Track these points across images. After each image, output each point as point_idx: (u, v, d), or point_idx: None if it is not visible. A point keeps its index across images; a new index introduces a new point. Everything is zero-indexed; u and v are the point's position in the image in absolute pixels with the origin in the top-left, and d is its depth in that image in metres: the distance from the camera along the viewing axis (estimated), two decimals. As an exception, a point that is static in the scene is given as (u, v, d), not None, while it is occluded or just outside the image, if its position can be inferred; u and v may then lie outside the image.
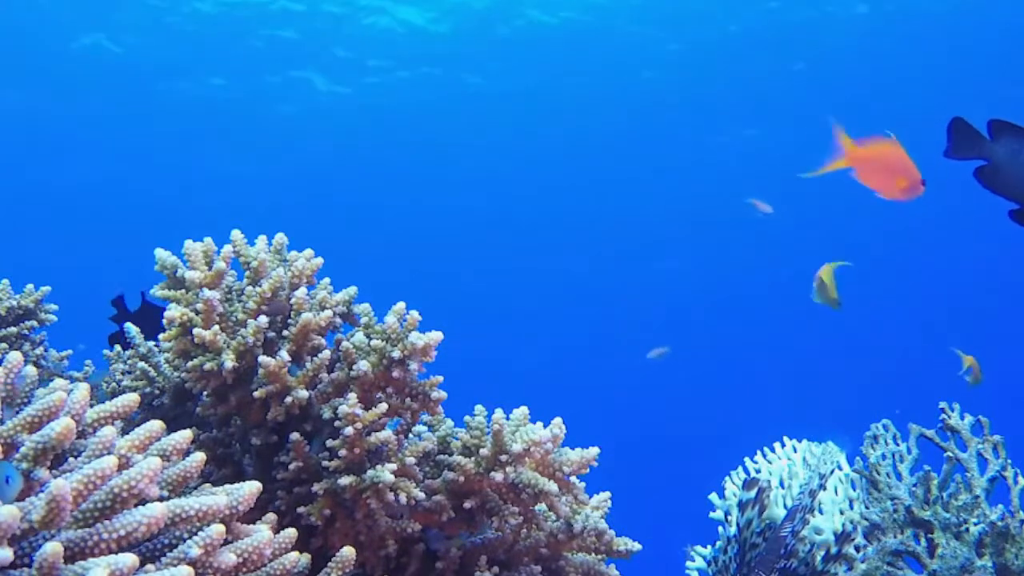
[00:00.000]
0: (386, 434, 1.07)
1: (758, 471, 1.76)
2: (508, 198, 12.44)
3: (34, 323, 1.55)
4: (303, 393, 1.09)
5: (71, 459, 0.85)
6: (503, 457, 1.09)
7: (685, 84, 9.74)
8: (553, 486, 1.09)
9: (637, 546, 1.23)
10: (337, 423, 1.06)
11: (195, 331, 1.09)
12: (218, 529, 0.75)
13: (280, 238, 1.24)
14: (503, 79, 9.85)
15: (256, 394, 1.09)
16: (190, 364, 1.12)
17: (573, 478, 1.16)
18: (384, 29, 9.04)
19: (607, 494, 1.29)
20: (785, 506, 1.66)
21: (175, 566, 0.73)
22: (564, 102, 10.25)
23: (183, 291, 1.15)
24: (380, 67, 9.62)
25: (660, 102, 10.10)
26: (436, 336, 1.09)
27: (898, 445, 1.63)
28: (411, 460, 1.10)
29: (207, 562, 0.75)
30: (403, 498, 1.07)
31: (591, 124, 10.68)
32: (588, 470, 1.15)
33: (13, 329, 1.51)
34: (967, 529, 1.41)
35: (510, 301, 14.32)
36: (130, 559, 0.67)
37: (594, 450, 1.15)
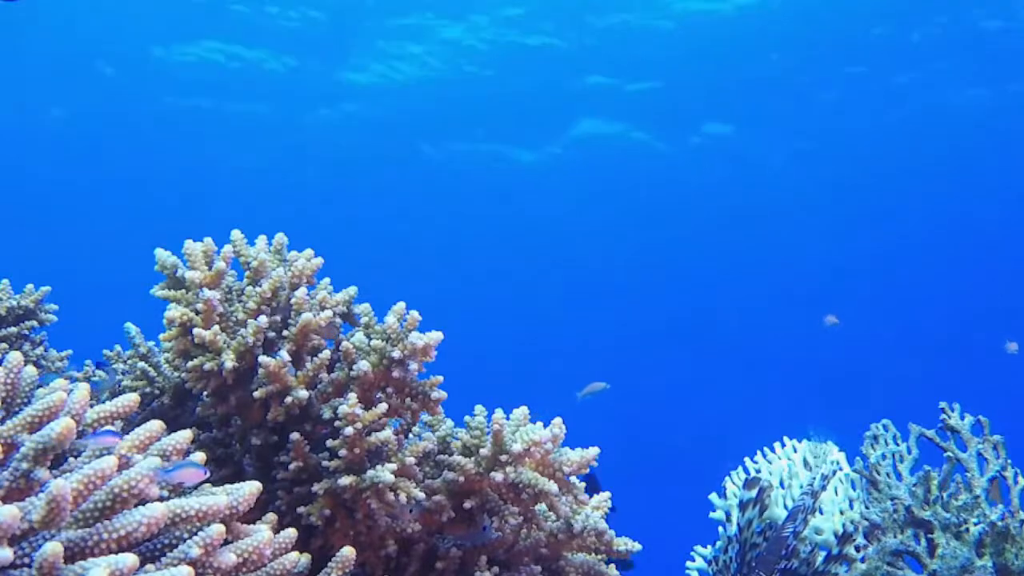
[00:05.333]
0: (386, 434, 1.07)
1: (758, 471, 1.76)
2: (510, 199, 12.44)
3: (34, 323, 1.54)
4: (303, 393, 1.09)
5: (71, 459, 0.85)
6: (503, 457, 1.08)
7: (682, 86, 9.74)
8: (553, 486, 1.09)
9: (637, 546, 1.23)
10: (337, 423, 1.06)
11: (195, 331, 1.09)
12: (218, 529, 0.75)
13: (280, 238, 1.24)
14: (502, 84, 9.85)
15: (256, 394, 1.09)
16: (190, 364, 1.11)
17: (573, 478, 1.16)
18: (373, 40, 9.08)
19: (607, 494, 1.29)
20: (785, 506, 1.66)
21: (175, 566, 0.73)
22: (560, 102, 10.25)
23: (183, 291, 1.15)
24: (382, 74, 9.63)
25: (655, 105, 10.10)
26: (436, 336, 1.09)
27: (898, 445, 1.63)
28: (411, 460, 1.10)
29: (207, 562, 0.75)
30: (403, 498, 1.07)
31: (589, 124, 10.69)
32: (588, 470, 1.15)
33: (13, 329, 1.51)
34: (967, 529, 1.41)
35: (511, 302, 14.32)
36: (130, 559, 0.67)
37: (594, 450, 1.15)
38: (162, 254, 1.17)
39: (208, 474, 0.85)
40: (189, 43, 9.05)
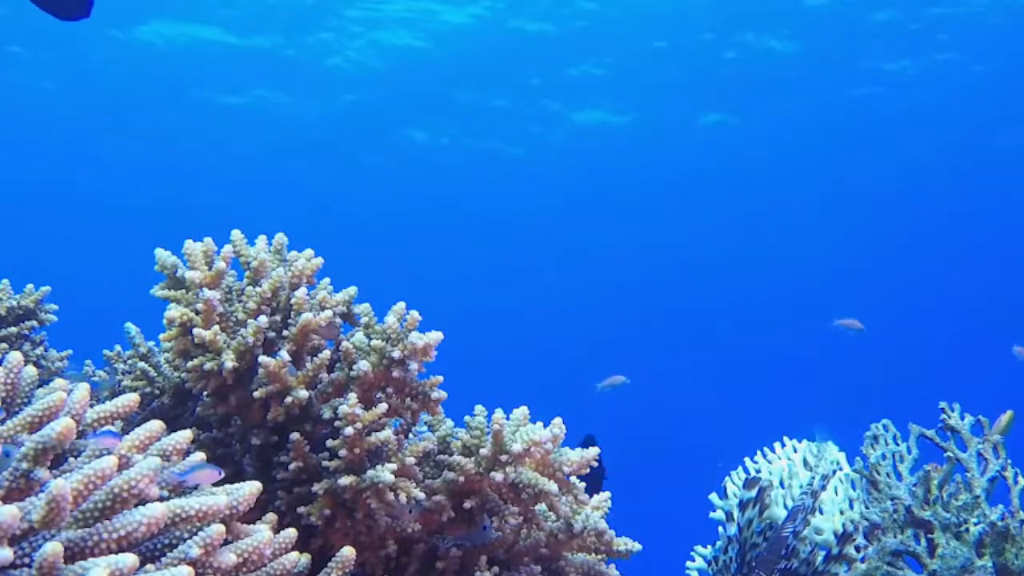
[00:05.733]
0: (386, 434, 1.07)
1: (758, 471, 1.76)
2: (511, 200, 12.44)
3: (34, 323, 1.54)
4: (303, 393, 1.09)
5: (71, 459, 0.85)
6: (503, 457, 1.08)
7: (678, 80, 9.73)
8: (553, 486, 1.09)
9: (637, 546, 1.23)
10: (337, 423, 1.06)
11: (195, 331, 1.09)
12: (218, 529, 0.74)
13: (280, 238, 1.24)
14: (508, 87, 9.85)
15: (256, 394, 1.09)
16: (190, 364, 1.11)
17: (573, 478, 1.16)
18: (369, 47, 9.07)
19: (607, 494, 1.29)
20: (785, 506, 1.66)
21: (175, 566, 0.73)
22: (560, 106, 10.25)
23: (183, 291, 1.15)
24: (384, 74, 9.62)
25: (657, 104, 10.09)
26: (436, 336, 1.09)
27: (898, 445, 1.63)
28: (411, 460, 1.10)
29: (207, 562, 0.75)
30: (403, 498, 1.07)
31: (588, 126, 10.68)
32: (588, 470, 1.15)
33: (13, 329, 1.51)
34: (967, 529, 1.41)
35: (511, 302, 14.32)
36: (130, 559, 0.67)
37: (594, 450, 1.15)
38: (162, 254, 1.17)
39: (223, 474, 0.85)
40: (181, 30, 8.99)
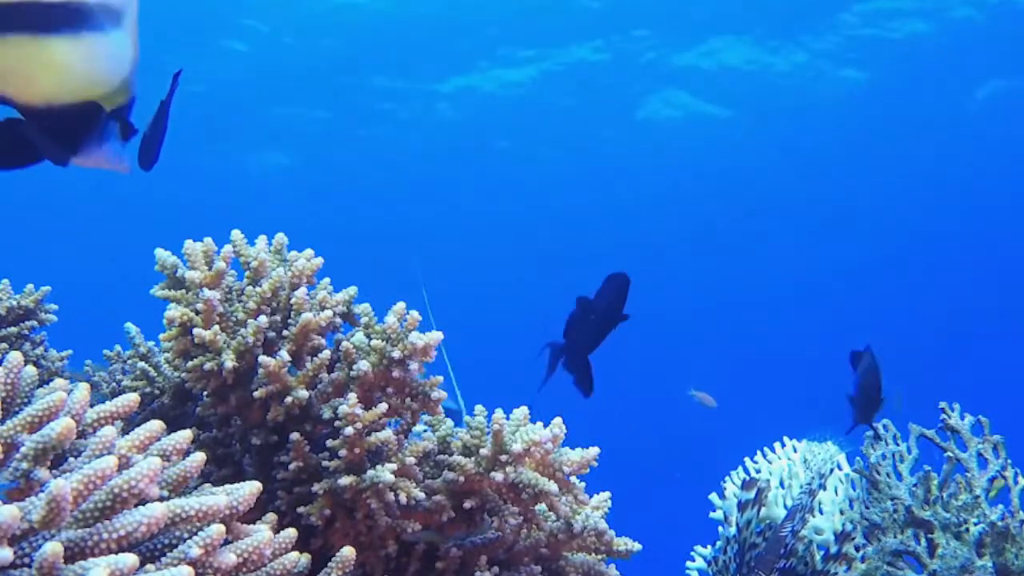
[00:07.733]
0: (386, 434, 1.07)
1: (758, 471, 1.76)
2: (510, 198, 12.44)
3: (34, 323, 1.54)
4: (303, 393, 1.09)
5: (71, 459, 0.85)
6: (503, 457, 1.08)
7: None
8: (553, 486, 1.09)
9: (637, 546, 1.23)
10: (337, 423, 1.06)
11: (195, 331, 1.09)
12: (218, 529, 0.75)
13: (280, 238, 1.24)
14: (507, 81, 9.85)
15: (256, 394, 1.09)
16: (190, 364, 1.12)
17: (573, 478, 1.16)
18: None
19: (607, 494, 1.29)
20: (785, 506, 1.66)
21: (175, 566, 0.73)
22: (563, 105, 10.25)
23: (183, 291, 1.15)
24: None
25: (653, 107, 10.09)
26: (436, 336, 1.09)
27: (898, 445, 1.63)
28: (411, 460, 1.10)
29: (207, 562, 0.75)
30: (403, 498, 1.07)
31: (587, 125, 10.68)
32: (588, 470, 1.15)
33: (13, 329, 1.51)
34: (967, 529, 1.41)
35: (511, 301, 14.32)
36: (130, 559, 0.67)
37: (594, 450, 1.15)
38: (162, 254, 1.17)
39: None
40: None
